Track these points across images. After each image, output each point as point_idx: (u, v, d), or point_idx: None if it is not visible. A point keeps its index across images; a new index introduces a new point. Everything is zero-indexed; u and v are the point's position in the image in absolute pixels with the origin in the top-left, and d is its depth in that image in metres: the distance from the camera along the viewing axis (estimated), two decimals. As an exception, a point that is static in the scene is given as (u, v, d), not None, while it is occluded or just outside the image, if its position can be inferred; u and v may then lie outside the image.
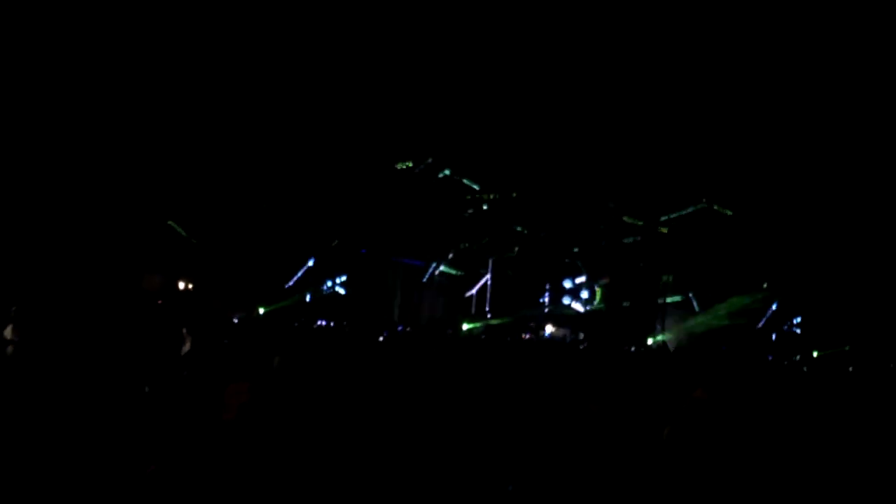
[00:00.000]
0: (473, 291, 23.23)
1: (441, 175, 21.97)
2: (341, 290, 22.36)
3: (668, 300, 22.56)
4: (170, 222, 18.86)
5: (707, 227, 22.16)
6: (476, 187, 22.45)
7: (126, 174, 17.52)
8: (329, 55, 17.60)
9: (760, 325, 23.16)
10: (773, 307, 23.20)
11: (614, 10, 16.22)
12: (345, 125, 19.45)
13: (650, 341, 21.18)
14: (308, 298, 21.57)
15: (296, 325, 15.87)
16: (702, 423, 4.83)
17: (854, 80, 16.73)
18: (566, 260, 23.31)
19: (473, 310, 23.10)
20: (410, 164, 21.58)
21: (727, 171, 20.31)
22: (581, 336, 21.75)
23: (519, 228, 22.83)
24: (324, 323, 17.88)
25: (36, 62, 15.47)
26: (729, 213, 21.90)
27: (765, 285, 22.33)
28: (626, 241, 22.66)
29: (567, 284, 23.37)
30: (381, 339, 13.27)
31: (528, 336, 20.81)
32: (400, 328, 18.39)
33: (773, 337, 23.53)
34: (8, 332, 6.56)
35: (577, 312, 23.22)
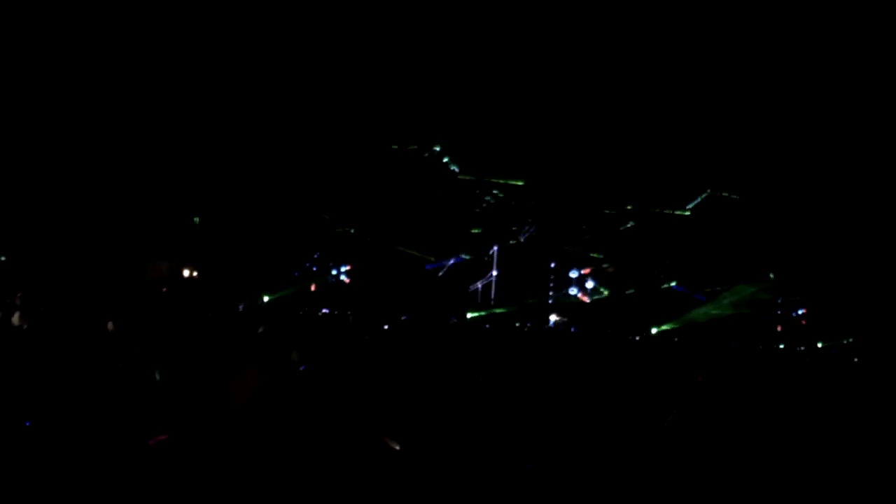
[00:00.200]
0: (479, 285, 23.23)
1: (446, 161, 21.93)
2: (345, 279, 22.42)
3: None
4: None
5: (712, 215, 22.10)
6: (481, 175, 22.42)
7: (131, 163, 17.55)
8: (336, 44, 17.55)
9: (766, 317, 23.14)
10: (779, 300, 23.17)
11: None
12: (350, 114, 19.42)
13: (654, 330, 21.20)
14: (312, 287, 21.64)
15: (300, 313, 15.93)
16: (703, 410, 4.84)
17: (859, 67, 16.61)
18: (572, 249, 23.30)
19: (479, 299, 23.13)
20: (415, 147, 21.45)
21: (733, 160, 20.23)
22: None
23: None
24: (327, 311, 17.95)
25: (48, 54, 15.50)
26: (735, 196, 21.76)
27: (771, 276, 22.29)
28: (626, 227, 22.60)
29: (573, 274, 23.38)
30: (385, 327, 13.30)
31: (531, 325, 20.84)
32: (404, 317, 18.42)
33: (779, 328, 23.51)
34: (15, 320, 6.59)
35: (583, 302, 23.23)
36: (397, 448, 3.51)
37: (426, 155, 21.78)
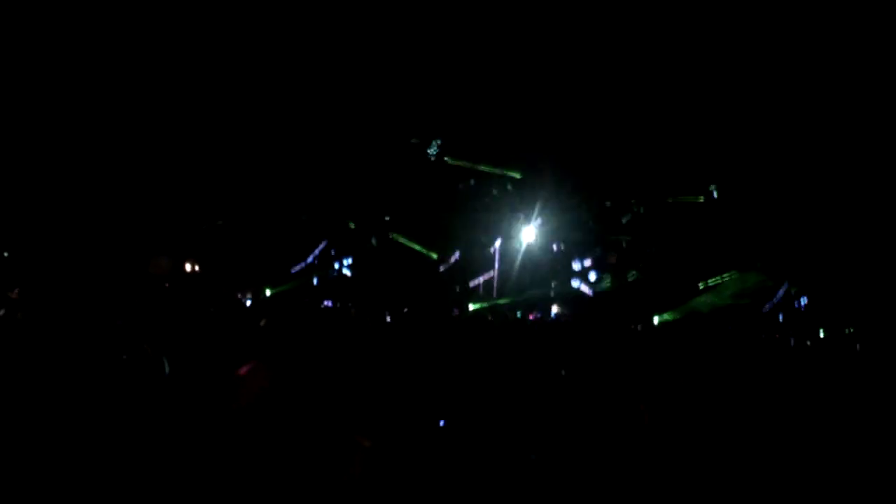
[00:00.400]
0: (480, 280, 23.20)
1: (447, 158, 21.91)
2: (348, 273, 22.44)
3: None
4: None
5: (713, 206, 22.07)
6: (485, 170, 22.38)
7: (133, 157, 17.55)
8: (340, 40, 17.52)
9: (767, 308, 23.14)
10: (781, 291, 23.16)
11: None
12: (352, 108, 19.40)
13: (656, 320, 21.19)
14: (315, 281, 21.67)
15: (302, 307, 15.94)
16: (703, 402, 4.85)
17: (859, 61, 16.56)
18: (574, 242, 23.29)
19: (481, 290, 23.13)
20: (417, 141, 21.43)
21: (733, 151, 20.19)
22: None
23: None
24: (330, 304, 17.98)
25: (48, 54, 15.51)
26: (737, 188, 21.72)
27: (759, 264, 22.25)
28: (626, 219, 22.58)
29: (575, 266, 23.35)
30: (387, 319, 13.32)
31: (534, 317, 20.84)
32: (406, 310, 18.42)
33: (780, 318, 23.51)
34: (15, 315, 6.60)
35: (585, 294, 23.23)
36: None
37: (428, 149, 21.76)
